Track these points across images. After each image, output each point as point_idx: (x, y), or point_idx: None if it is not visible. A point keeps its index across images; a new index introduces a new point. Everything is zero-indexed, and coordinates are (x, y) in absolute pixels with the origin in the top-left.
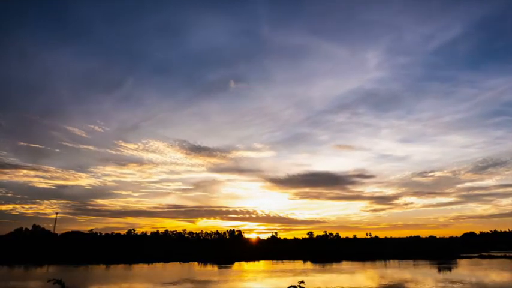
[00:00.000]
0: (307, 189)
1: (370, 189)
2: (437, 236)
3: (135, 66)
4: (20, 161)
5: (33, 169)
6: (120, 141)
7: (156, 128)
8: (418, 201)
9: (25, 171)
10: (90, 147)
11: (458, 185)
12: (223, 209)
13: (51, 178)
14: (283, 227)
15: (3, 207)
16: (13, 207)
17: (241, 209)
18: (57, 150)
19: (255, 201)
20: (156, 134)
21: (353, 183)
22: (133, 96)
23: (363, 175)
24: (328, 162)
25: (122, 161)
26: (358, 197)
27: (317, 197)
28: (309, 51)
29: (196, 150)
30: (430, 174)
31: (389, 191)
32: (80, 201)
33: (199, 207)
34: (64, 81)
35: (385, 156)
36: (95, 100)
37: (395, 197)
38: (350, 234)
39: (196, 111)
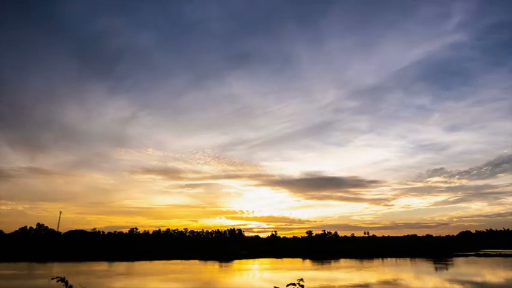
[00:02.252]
0: (313, 192)
1: (375, 190)
2: (434, 235)
3: (146, 28)
4: (48, 165)
5: (32, 170)
6: (149, 150)
7: (167, 117)
8: (420, 201)
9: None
10: (91, 147)
11: (467, 184)
12: (230, 210)
13: (64, 179)
14: (285, 227)
15: (18, 207)
16: (28, 207)
17: (246, 210)
18: (61, 150)
19: (259, 202)
20: (167, 128)
21: (366, 185)
22: (135, 75)
23: (371, 180)
24: (344, 161)
25: (134, 164)
26: (359, 199)
27: (320, 198)
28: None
29: (217, 159)
30: (439, 171)
31: (391, 192)
32: (91, 201)
33: (204, 207)
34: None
35: (423, 147)
36: (91, 81)
37: (395, 197)
38: (349, 234)
39: (217, 93)
